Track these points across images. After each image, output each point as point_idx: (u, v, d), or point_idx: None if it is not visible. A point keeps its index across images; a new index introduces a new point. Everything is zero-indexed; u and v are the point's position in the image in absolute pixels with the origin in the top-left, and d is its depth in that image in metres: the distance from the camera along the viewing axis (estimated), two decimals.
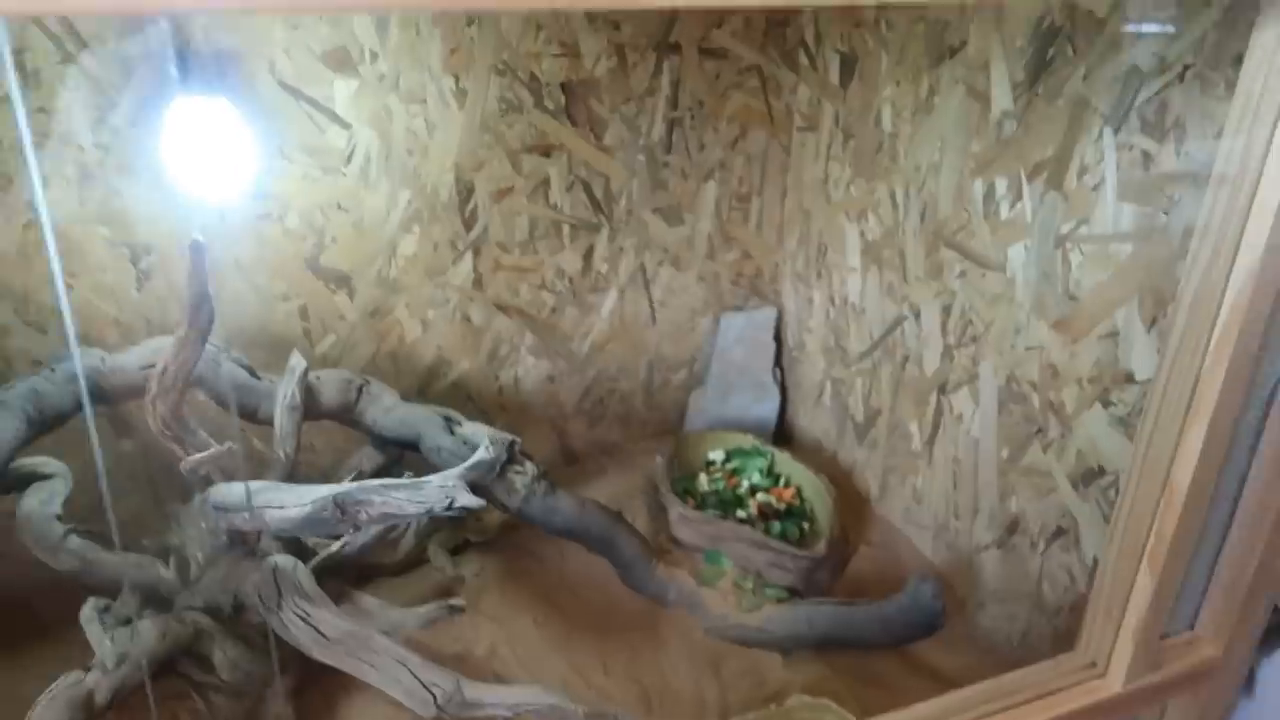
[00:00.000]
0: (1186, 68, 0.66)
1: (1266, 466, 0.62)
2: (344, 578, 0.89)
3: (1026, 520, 0.87)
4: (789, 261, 1.21)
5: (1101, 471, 0.78)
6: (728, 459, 1.11)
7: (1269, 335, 0.57)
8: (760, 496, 1.03)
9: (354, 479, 0.91)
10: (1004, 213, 0.84)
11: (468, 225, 1.03)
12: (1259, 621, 0.69)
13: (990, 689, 0.64)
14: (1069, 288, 0.79)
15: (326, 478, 0.92)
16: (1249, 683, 0.73)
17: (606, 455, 1.21)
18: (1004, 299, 0.86)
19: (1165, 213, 0.69)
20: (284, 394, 0.87)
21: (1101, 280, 0.75)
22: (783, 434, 1.25)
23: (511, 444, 0.88)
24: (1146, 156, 0.70)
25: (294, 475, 0.87)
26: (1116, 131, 0.72)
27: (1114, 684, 0.64)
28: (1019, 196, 0.82)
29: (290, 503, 0.71)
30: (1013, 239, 0.84)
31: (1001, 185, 0.84)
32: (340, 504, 0.69)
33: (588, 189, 1.07)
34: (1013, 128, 0.82)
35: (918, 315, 0.98)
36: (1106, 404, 0.76)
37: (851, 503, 1.09)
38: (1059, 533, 0.83)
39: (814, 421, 1.21)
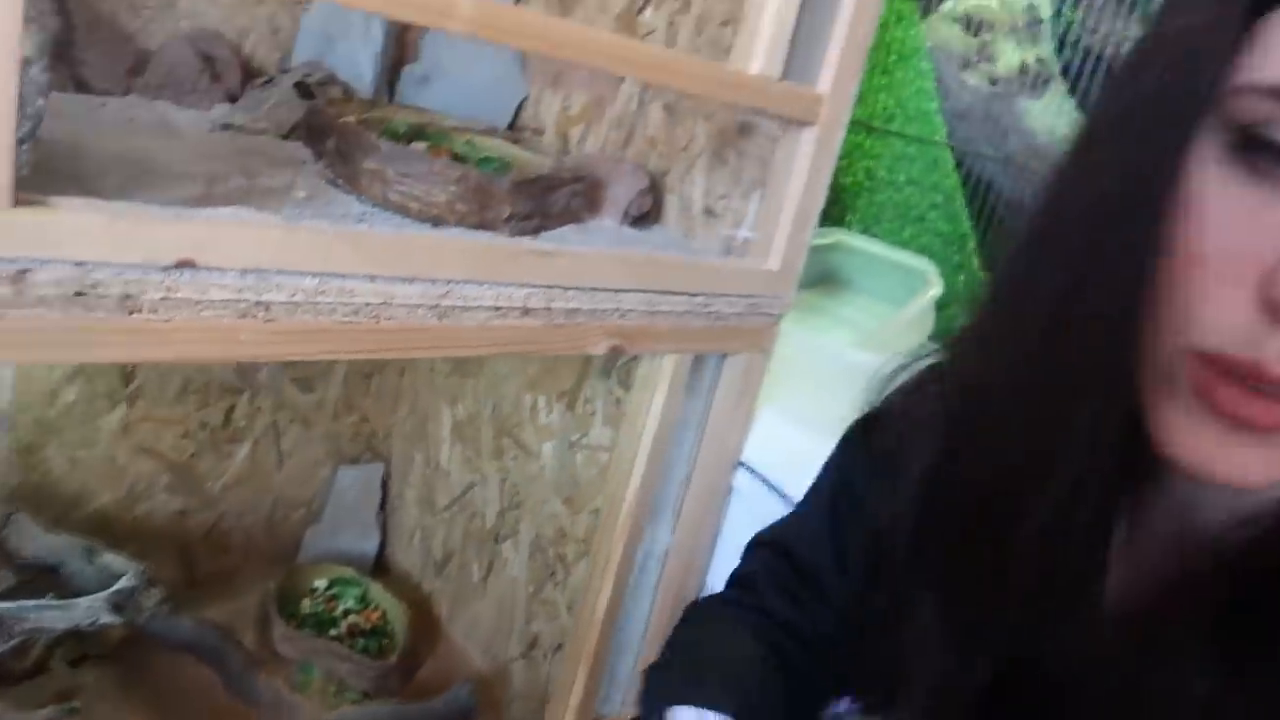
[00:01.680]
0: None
1: (657, 617, 1.01)
2: None
3: (541, 639, 1.22)
4: (399, 426, 1.52)
5: None
6: (330, 586, 1.37)
7: (655, 525, 0.98)
8: (352, 618, 1.30)
9: None
10: (542, 419, 1.22)
11: (126, 381, 1.23)
12: None
13: None
14: (575, 477, 1.17)
15: None
16: None
17: (227, 580, 1.41)
18: (538, 479, 1.23)
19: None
20: None
21: (592, 474, 1.15)
22: (381, 566, 1.53)
23: (143, 571, 1.09)
24: (619, 400, 1.11)
25: None
26: (607, 379, 1.12)
27: None
28: (551, 410, 1.21)
29: None
30: (546, 438, 1.22)
31: (541, 400, 1.22)
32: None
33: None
34: (538, 362, 1.21)
35: (485, 482, 1.33)
36: (579, 559, 1.14)
37: (427, 624, 1.39)
38: (559, 647, 1.19)
39: (406, 557, 1.51)
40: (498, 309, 0.73)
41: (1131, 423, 0.40)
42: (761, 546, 0.72)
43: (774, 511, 0.99)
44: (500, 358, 1.29)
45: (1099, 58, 1.25)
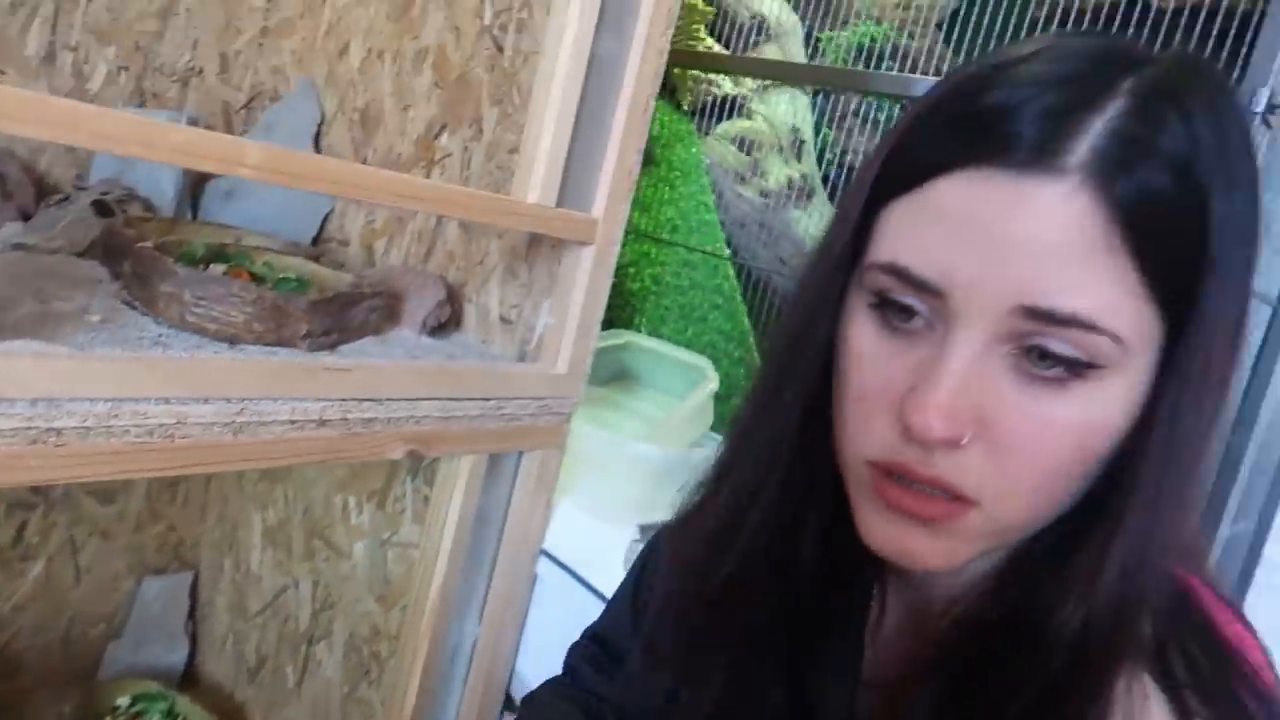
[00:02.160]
0: None
1: (468, 707, 1.05)
2: None
3: None
4: (208, 534, 1.50)
5: None
6: (133, 703, 1.32)
7: (463, 617, 1.02)
8: None
9: None
10: (353, 519, 1.25)
11: None
12: None
13: None
14: (387, 574, 1.20)
15: None
16: None
17: (18, 705, 1.34)
18: (351, 578, 1.25)
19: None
20: None
21: (403, 571, 1.18)
22: (191, 677, 1.48)
23: None
24: (426, 498, 1.15)
25: None
26: (415, 477, 1.17)
27: None
28: (361, 510, 1.24)
29: None
30: (357, 538, 1.24)
31: (352, 501, 1.25)
32: None
33: None
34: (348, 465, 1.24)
35: (297, 585, 1.33)
36: (392, 655, 1.17)
37: None
38: None
39: (218, 667, 1.48)
40: (294, 422, 0.78)
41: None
42: (580, 643, 0.77)
43: (576, 598, 1.06)
44: None
45: (854, 171, 1.42)
